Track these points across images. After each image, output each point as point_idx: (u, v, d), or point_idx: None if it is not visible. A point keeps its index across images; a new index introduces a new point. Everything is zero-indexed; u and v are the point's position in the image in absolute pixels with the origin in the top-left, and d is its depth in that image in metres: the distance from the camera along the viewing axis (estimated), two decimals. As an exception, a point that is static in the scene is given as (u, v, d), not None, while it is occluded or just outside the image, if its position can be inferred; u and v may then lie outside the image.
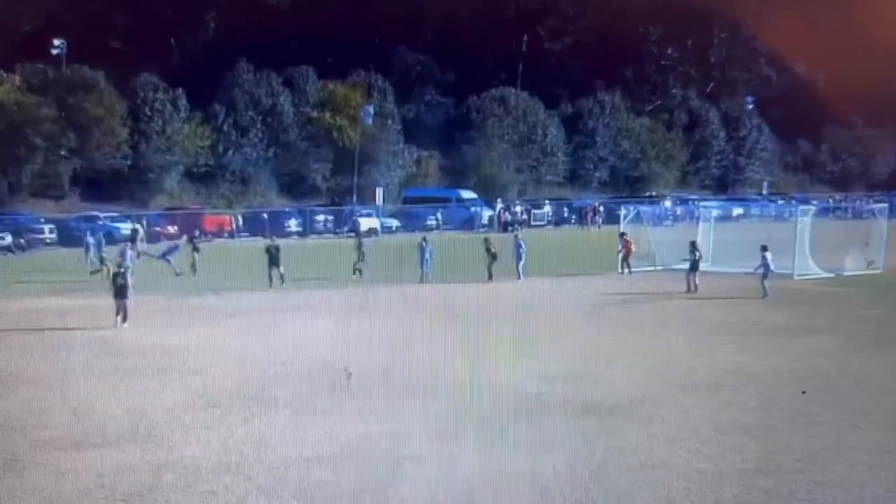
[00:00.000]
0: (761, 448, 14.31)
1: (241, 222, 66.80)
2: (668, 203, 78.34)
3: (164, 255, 39.59)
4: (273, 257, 35.80)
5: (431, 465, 13.42)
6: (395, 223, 72.11)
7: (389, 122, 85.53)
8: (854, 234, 43.25)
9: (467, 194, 79.73)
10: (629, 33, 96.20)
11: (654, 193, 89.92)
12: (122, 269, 27.19)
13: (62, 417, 16.22)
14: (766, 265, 32.11)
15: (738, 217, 76.58)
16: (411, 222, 70.47)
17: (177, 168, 75.05)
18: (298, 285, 35.02)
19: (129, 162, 71.58)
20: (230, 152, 77.63)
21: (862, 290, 34.25)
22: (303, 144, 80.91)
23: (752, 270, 32.97)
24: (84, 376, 19.46)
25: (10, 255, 53.41)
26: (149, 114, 72.92)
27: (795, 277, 36.11)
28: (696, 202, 71.94)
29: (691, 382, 18.70)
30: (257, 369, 19.95)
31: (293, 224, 67.62)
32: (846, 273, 38.15)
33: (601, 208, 78.18)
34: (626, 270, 39.60)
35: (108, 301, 26.49)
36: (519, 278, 36.92)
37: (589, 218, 77.86)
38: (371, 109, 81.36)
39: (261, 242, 41.36)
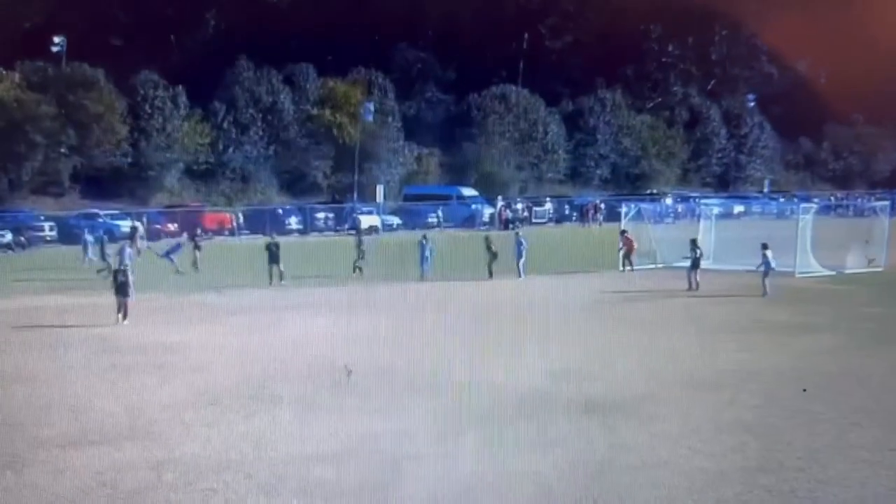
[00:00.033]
0: (762, 446, 14.31)
1: (241, 220, 66.78)
2: (669, 200, 78.48)
3: (167, 254, 39.57)
4: (273, 255, 35.84)
5: (431, 463, 13.40)
6: (395, 221, 72.05)
7: (390, 119, 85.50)
8: (855, 232, 43.21)
9: (468, 192, 79.69)
10: (630, 31, 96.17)
11: (655, 191, 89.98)
12: (122, 267, 27.16)
13: (62, 415, 16.21)
14: (766, 263, 32.08)
15: (740, 215, 76.40)
16: (412, 220, 70.40)
17: (177, 165, 75.04)
18: (299, 283, 35.05)
19: (129, 159, 71.55)
20: (230, 150, 77.62)
21: (863, 288, 34.23)
22: (303, 142, 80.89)
23: (753, 268, 32.94)
24: (84, 374, 19.48)
25: (10, 252, 53.44)
26: (149, 111, 72.90)
27: (797, 275, 36.08)
28: (697, 200, 71.91)
29: (692, 380, 18.68)
30: (257, 367, 19.93)
31: (294, 222, 67.55)
32: (847, 271, 38.13)
33: (602, 206, 78.14)
34: (627, 268, 39.58)
35: (109, 299, 26.49)
36: (519, 276, 36.91)
37: (590, 215, 77.84)
38: (371, 107, 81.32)
39: (261, 240, 41.30)
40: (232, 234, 64.00)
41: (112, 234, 49.29)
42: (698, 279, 33.73)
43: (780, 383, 18.41)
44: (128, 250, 30.39)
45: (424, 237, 39.44)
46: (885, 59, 79.13)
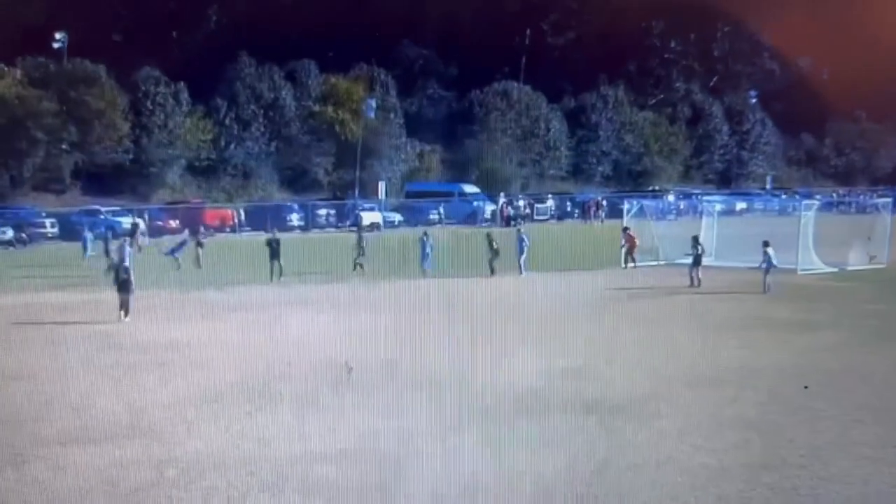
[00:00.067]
0: (765, 443, 14.31)
1: (243, 216, 66.82)
2: (671, 197, 78.48)
3: (172, 252, 39.55)
4: (274, 251, 35.88)
5: (432, 461, 13.40)
6: (397, 217, 72.09)
7: (392, 115, 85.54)
8: (858, 229, 43.18)
9: (470, 188, 79.79)
10: (632, 27, 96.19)
11: (657, 188, 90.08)
12: (124, 264, 27.14)
13: (64, 412, 16.22)
14: (768, 260, 32.04)
15: (742, 211, 76.36)
16: (414, 217, 70.47)
17: (178, 162, 75.11)
18: (300, 280, 35.02)
19: (130, 156, 71.66)
20: (232, 146, 77.69)
21: (865, 285, 34.22)
22: (305, 138, 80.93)
23: (756, 265, 32.89)
24: (85, 371, 19.46)
25: (11, 249, 53.52)
26: (150, 108, 72.99)
27: (799, 272, 36.06)
28: (699, 196, 71.86)
29: (694, 377, 18.68)
30: (259, 364, 19.92)
31: (295, 218, 67.63)
32: (850, 268, 38.12)
33: (604, 202, 78.18)
34: (630, 264, 39.57)
35: (110, 295, 26.50)
36: (521, 273, 36.89)
37: (592, 212, 77.87)
38: (373, 103, 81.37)
39: (263, 237, 41.29)
40: (233, 230, 64.00)
41: (114, 231, 49.24)
42: (700, 276, 33.73)
43: (783, 380, 18.41)
44: (127, 248, 30.33)
45: (425, 234, 39.44)
46: (887, 56, 79.07)
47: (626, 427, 15.14)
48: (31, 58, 69.53)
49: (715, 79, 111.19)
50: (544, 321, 25.74)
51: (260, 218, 62.30)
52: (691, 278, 33.72)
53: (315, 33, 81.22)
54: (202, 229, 45.48)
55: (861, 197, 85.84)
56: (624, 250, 40.18)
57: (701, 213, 46.66)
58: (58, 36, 71.92)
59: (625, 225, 41.95)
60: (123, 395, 17.37)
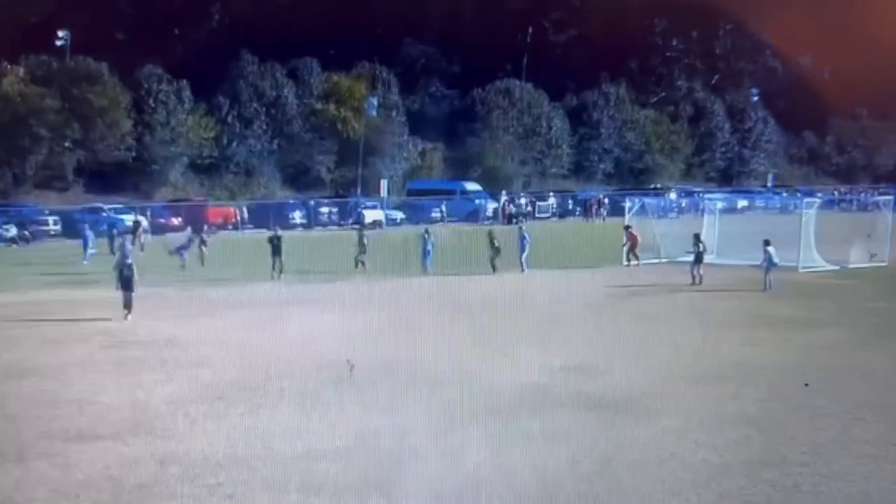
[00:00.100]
0: (766, 440, 14.34)
1: (245, 214, 66.91)
2: (672, 195, 78.44)
3: (178, 250, 39.59)
4: (276, 248, 35.98)
5: (434, 458, 13.46)
6: (399, 215, 72.15)
7: (394, 113, 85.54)
8: (859, 227, 43.19)
9: (472, 186, 79.79)
10: (634, 25, 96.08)
11: (658, 185, 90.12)
12: (127, 261, 27.21)
13: (68, 409, 16.25)
14: (769, 259, 32.09)
15: (743, 209, 76.58)
16: (416, 214, 70.52)
17: (181, 160, 75.12)
18: (302, 277, 35.06)
19: (133, 153, 71.69)
20: (234, 144, 77.72)
21: (867, 283, 34.25)
22: (307, 136, 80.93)
23: (758, 263, 32.93)
24: (89, 368, 19.52)
25: (14, 246, 53.62)
26: (153, 105, 73.04)
27: (800, 270, 36.09)
28: (700, 194, 71.93)
29: (696, 374, 18.72)
30: (261, 361, 19.93)
31: (297, 216, 67.70)
32: (851, 266, 38.16)
33: (606, 200, 78.20)
34: (633, 262, 39.61)
35: (113, 293, 26.58)
36: (522, 270, 36.97)
37: (594, 210, 77.96)
38: (375, 101, 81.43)
39: (266, 234, 41.36)
40: (236, 228, 64.09)
41: (117, 229, 49.34)
42: (702, 274, 33.79)
43: (784, 378, 18.44)
44: (128, 245, 30.40)
45: (426, 231, 39.55)
46: (889, 54, 78.99)
47: (628, 424, 15.17)
48: (34, 55, 69.52)
49: (717, 77, 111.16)
50: (546, 319, 25.77)
51: (262, 215, 62.39)
52: (693, 276, 33.78)
53: (317, 31, 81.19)
54: (206, 228, 45.51)
55: (862, 195, 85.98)
56: (626, 248, 40.25)
57: (702, 211, 46.76)
58: (61, 34, 71.94)
59: (626, 223, 41.98)
60: (128, 392, 17.40)
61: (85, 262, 40.99)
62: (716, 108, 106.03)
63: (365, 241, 39.00)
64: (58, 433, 14.80)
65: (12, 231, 55.35)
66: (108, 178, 70.46)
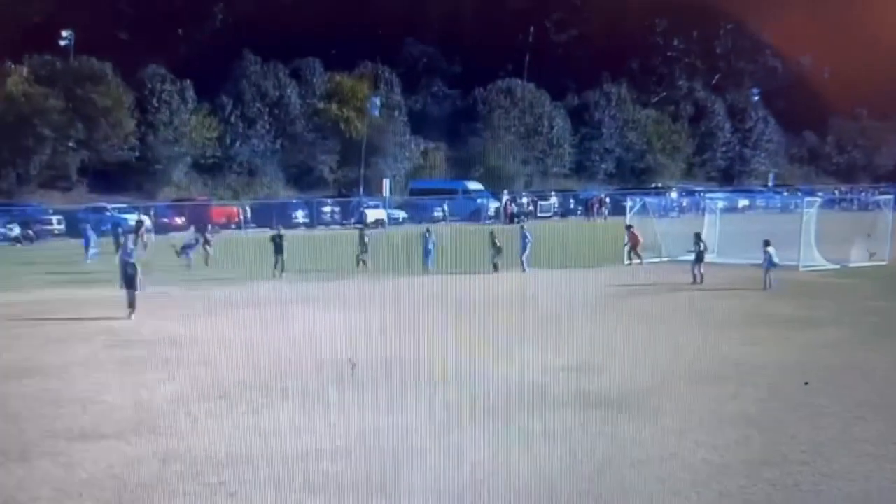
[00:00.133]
0: (767, 439, 14.37)
1: (248, 213, 67.01)
2: (673, 194, 78.49)
3: (185, 250, 39.67)
4: (278, 247, 36.11)
5: (435, 456, 13.51)
6: (401, 214, 72.22)
7: (396, 113, 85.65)
8: (859, 226, 43.21)
9: (474, 186, 79.86)
10: (635, 25, 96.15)
11: (659, 185, 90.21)
12: (131, 260, 27.32)
13: (71, 408, 16.29)
14: (769, 259, 32.13)
15: (744, 209, 76.58)
16: (418, 214, 70.60)
17: (184, 159, 75.25)
18: (304, 276, 35.12)
19: (136, 153, 71.84)
20: (237, 144, 77.83)
21: (867, 282, 34.27)
22: (310, 136, 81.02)
23: (759, 262, 32.96)
24: (93, 367, 19.57)
25: (18, 245, 53.73)
26: (156, 105, 73.17)
27: (801, 269, 36.14)
28: (701, 194, 71.94)
29: (696, 374, 18.76)
30: (264, 360, 19.95)
31: (300, 215, 67.81)
32: (851, 265, 38.19)
33: (607, 200, 78.26)
34: (635, 261, 39.64)
35: (117, 292, 26.66)
36: (523, 270, 37.03)
37: (595, 209, 78.02)
38: (378, 101, 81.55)
39: (268, 233, 41.43)
40: (239, 227, 64.18)
41: (121, 228, 49.41)
42: (702, 273, 33.84)
43: (785, 377, 18.46)
44: (130, 244, 30.48)
45: (428, 230, 39.66)
46: (889, 53, 78.97)
47: (629, 423, 15.22)
48: (37, 55, 69.67)
49: (717, 76, 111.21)
50: (546, 318, 25.82)
51: (265, 215, 62.48)
52: (693, 275, 33.82)
53: (320, 31, 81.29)
54: (210, 227, 45.57)
55: (863, 194, 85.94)
56: (627, 248, 40.31)
57: (703, 210, 46.77)
58: (64, 34, 72.07)
59: (628, 223, 42.02)
60: (130, 390, 17.45)
61: (88, 262, 41.07)
62: (717, 108, 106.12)
63: (366, 240, 39.11)
64: (61, 432, 14.85)
65: (16, 230, 55.49)
66: (112, 177, 70.60)
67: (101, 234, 46.95)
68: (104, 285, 30.14)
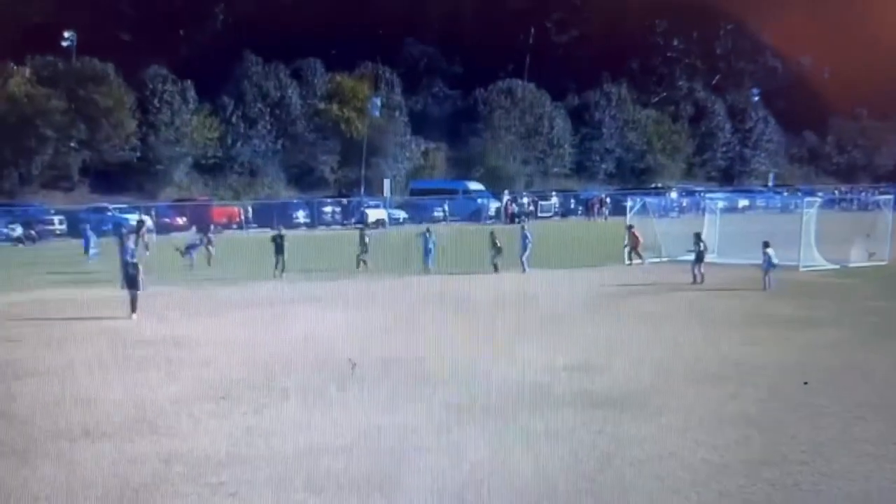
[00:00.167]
0: (766, 439, 14.38)
1: (249, 214, 67.10)
2: (673, 194, 78.55)
3: (188, 250, 39.74)
4: (279, 247, 36.21)
5: (435, 455, 13.56)
6: (402, 215, 72.29)
7: (397, 113, 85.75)
8: (859, 226, 43.23)
9: (474, 186, 79.94)
10: (635, 25, 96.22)
11: (660, 185, 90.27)
12: (133, 261, 27.38)
13: (73, 408, 16.29)
14: (768, 261, 32.16)
15: (744, 209, 76.61)
16: (419, 214, 70.67)
17: (185, 160, 75.38)
18: (305, 276, 35.18)
19: (138, 153, 71.99)
20: (238, 144, 77.94)
21: (867, 282, 34.27)
22: (311, 136, 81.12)
23: (759, 262, 32.97)
24: (95, 367, 19.57)
25: (20, 245, 53.79)
26: (158, 105, 73.31)
27: (801, 269, 36.17)
28: (701, 194, 71.99)
29: (696, 373, 18.77)
30: (265, 360, 20.03)
31: (301, 215, 67.90)
32: (851, 265, 38.21)
33: (608, 200, 78.33)
34: (636, 261, 39.67)
35: (118, 292, 26.70)
36: (524, 270, 37.06)
37: (595, 209, 78.13)
38: (378, 101, 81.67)
39: (270, 233, 41.50)
40: (240, 227, 64.27)
41: (126, 228, 49.51)
42: (703, 272, 33.87)
43: (784, 377, 18.46)
44: (130, 245, 30.47)
45: (427, 230, 39.72)
46: (889, 53, 78.95)
47: (628, 422, 15.24)
48: (39, 56, 69.86)
49: (717, 77, 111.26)
50: (547, 318, 25.85)
51: (266, 215, 62.59)
52: (694, 275, 33.85)
53: (320, 32, 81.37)
54: (212, 227, 45.62)
55: (863, 194, 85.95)
56: (627, 248, 40.35)
57: (703, 211, 46.80)
58: (66, 35, 72.28)
59: (629, 223, 42.07)
60: (132, 390, 17.49)
61: (90, 262, 41.14)
62: (717, 108, 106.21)
63: (367, 240, 39.20)
64: (63, 432, 14.88)
65: (18, 230, 55.55)
66: (114, 178, 70.75)
67: (101, 234, 46.97)
68: (106, 285, 30.18)
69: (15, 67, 67.70)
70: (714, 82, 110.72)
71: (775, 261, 32.25)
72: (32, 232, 56.00)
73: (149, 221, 52.40)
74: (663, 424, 15.16)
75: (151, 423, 15.39)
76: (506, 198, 76.59)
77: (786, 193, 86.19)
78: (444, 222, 68.37)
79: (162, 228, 56.31)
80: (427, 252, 37.87)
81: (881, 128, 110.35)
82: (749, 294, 31.17)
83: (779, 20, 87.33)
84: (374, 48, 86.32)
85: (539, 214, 77.12)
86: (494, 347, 20.86)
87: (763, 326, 24.79)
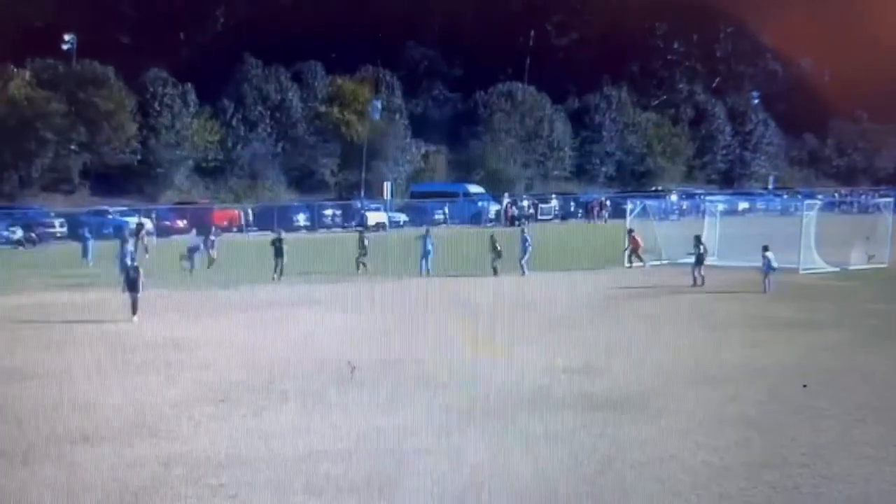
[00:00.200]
0: (767, 442, 14.40)
1: (250, 217, 67.08)
2: (674, 197, 78.53)
3: (190, 252, 39.72)
4: (278, 250, 36.25)
5: (435, 457, 13.56)
6: (402, 218, 72.24)
7: (397, 117, 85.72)
8: (859, 229, 43.25)
9: (475, 189, 79.93)
10: (635, 28, 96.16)
11: (660, 188, 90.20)
12: (134, 264, 27.39)
13: (73, 411, 16.29)
14: (767, 264, 32.16)
15: (744, 211, 76.52)
16: (419, 217, 70.57)
17: (186, 163, 75.36)
18: (305, 279, 35.20)
19: (138, 156, 71.93)
20: (239, 147, 77.91)
21: (867, 285, 34.30)
22: (311, 139, 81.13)
23: (759, 265, 32.97)
24: (95, 370, 19.57)
25: (20, 248, 53.77)
26: (158, 109, 73.27)
27: (801, 272, 36.18)
28: (701, 196, 71.95)
29: (697, 376, 18.78)
30: (265, 362, 20.03)
31: (301, 218, 67.85)
32: (851, 267, 38.22)
33: (608, 202, 78.32)
34: (637, 264, 39.66)
35: (118, 295, 26.71)
36: (523, 273, 37.05)
37: (595, 212, 78.12)
38: (379, 104, 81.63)
39: (270, 237, 41.54)
40: (240, 230, 64.25)
41: (128, 231, 49.53)
42: (703, 275, 33.88)
43: (785, 379, 18.48)
44: (129, 248, 30.49)
45: (427, 232, 39.73)
46: (889, 56, 78.96)
47: (629, 424, 15.25)
48: (40, 59, 69.77)
49: (717, 80, 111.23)
50: (546, 320, 25.88)
51: (267, 218, 62.54)
52: (694, 278, 33.87)
53: (321, 35, 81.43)
54: (213, 230, 45.59)
55: (862, 197, 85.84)
56: (627, 251, 40.35)
57: (703, 213, 46.82)
58: (67, 37, 72.25)
59: (629, 227, 42.07)
60: (132, 393, 17.48)
61: (90, 264, 41.14)
62: (717, 111, 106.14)
63: (366, 242, 39.23)
64: (63, 435, 14.88)
65: (19, 233, 55.51)
66: (114, 180, 70.72)
67: (101, 237, 46.93)
68: (106, 288, 30.16)
69: (15, 70, 67.66)
70: (714, 85, 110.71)
71: (775, 264, 32.27)
72: (33, 235, 55.93)
73: (148, 224, 52.39)
74: (663, 427, 15.18)
75: (152, 426, 15.40)
76: (506, 200, 76.59)
77: (786, 196, 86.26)
78: (444, 225, 68.37)
79: (162, 231, 56.29)
80: (426, 253, 37.88)
81: (881, 130, 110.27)
82: (749, 297, 31.19)
83: (779, 23, 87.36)
84: (375, 51, 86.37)
85: (539, 217, 77.04)
86: (493, 350, 20.86)
87: (763, 329, 24.82)
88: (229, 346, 22.29)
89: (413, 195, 79.19)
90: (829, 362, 20.33)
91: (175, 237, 51.62)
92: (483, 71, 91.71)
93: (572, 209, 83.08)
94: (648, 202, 48.88)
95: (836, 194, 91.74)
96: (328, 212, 70.94)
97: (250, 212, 67.88)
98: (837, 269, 37.52)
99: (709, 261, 35.42)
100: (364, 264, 38.15)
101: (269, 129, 79.38)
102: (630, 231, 41.21)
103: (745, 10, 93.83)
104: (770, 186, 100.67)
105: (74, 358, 20.86)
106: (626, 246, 40.47)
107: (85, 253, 43.07)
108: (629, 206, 45.25)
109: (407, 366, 19.39)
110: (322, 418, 15.75)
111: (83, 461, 13.65)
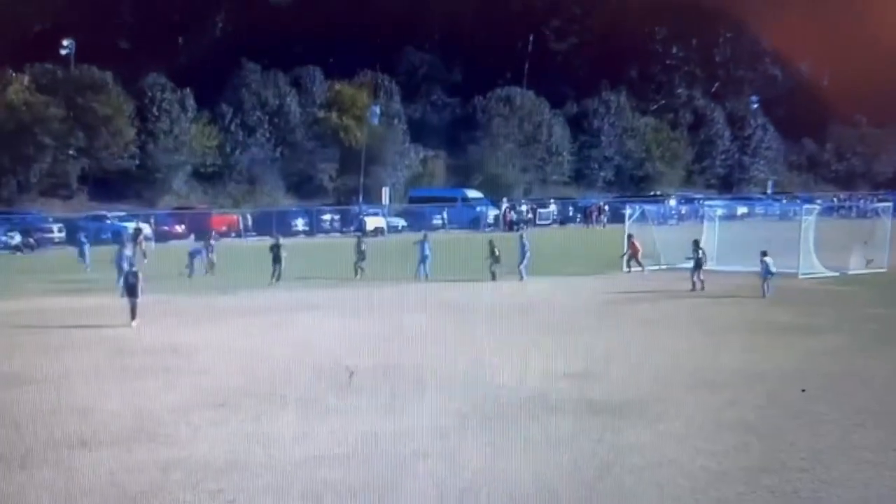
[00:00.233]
0: (766, 446, 14.37)
1: (248, 222, 67.10)
2: (672, 202, 78.54)
3: (191, 257, 39.75)
4: (276, 256, 36.30)
5: (435, 460, 13.55)
6: (401, 223, 72.30)
7: (396, 122, 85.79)
8: (858, 234, 43.26)
9: (473, 194, 79.99)
10: (634, 33, 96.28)
11: (658, 192, 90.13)
12: (133, 269, 27.39)
13: (72, 416, 16.27)
14: (766, 269, 32.15)
15: (743, 216, 76.55)
16: (417, 222, 70.57)
17: (184, 168, 75.42)
18: (303, 284, 35.21)
19: (136, 161, 71.99)
20: (237, 152, 77.98)
21: (866, 289, 34.30)
22: (309, 144, 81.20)
23: (758, 270, 32.95)
24: (93, 375, 19.53)
25: (19, 253, 53.77)
26: (156, 114, 73.33)
27: (800, 276, 36.18)
28: (700, 201, 72.02)
29: (696, 381, 18.76)
30: (263, 368, 20.04)
31: (300, 223, 67.93)
32: (850, 272, 38.21)
33: (606, 207, 78.38)
34: (636, 269, 39.64)
35: (117, 300, 26.69)
36: (521, 278, 37.03)
37: (594, 217, 78.20)
38: (377, 109, 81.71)
39: (268, 241, 41.55)
40: (239, 235, 64.26)
41: (126, 236, 49.57)
42: (702, 280, 33.85)
43: (784, 384, 18.44)
44: (126, 252, 30.42)
45: (425, 237, 39.74)
46: (888, 61, 79.11)
47: (628, 429, 15.23)
48: (38, 64, 69.87)
49: (716, 84, 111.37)
50: (544, 325, 25.86)
51: (265, 223, 62.61)
52: (693, 282, 33.84)
53: (319, 40, 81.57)
54: (212, 235, 45.60)
55: (861, 201, 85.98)
56: (626, 256, 40.34)
57: (702, 218, 46.78)
58: (65, 42, 72.31)
59: (629, 233, 42.05)
60: (131, 398, 17.45)
61: (88, 269, 41.13)
62: (716, 116, 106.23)
63: (364, 247, 39.23)
64: (61, 440, 14.84)
65: (17, 238, 55.55)
66: (112, 186, 70.77)
67: (99, 242, 46.93)
68: (105, 293, 30.15)
69: (14, 75, 67.74)
70: (713, 90, 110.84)
71: (773, 269, 32.26)
72: (31, 240, 55.99)
73: (146, 229, 52.38)
74: (662, 431, 15.16)
75: (150, 431, 15.37)
76: (504, 205, 76.69)
77: (785, 201, 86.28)
78: (442, 230, 68.35)
79: (161, 237, 56.29)
80: (424, 258, 37.87)
81: (880, 135, 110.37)
82: (748, 301, 31.18)
83: (778, 28, 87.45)
84: (374, 56, 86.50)
85: (538, 222, 77.21)
86: (492, 354, 20.83)
87: (762, 333, 24.79)
88: (228, 351, 22.28)
89: (411, 200, 79.28)
90: (829, 367, 20.31)
91: (173, 242, 51.55)
92: (482, 76, 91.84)
93: (571, 214, 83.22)
94: (647, 207, 48.83)
95: (835, 199, 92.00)
96: (327, 217, 71.03)
97: (249, 217, 67.92)
98: (836, 274, 37.51)
99: (708, 265, 35.37)
100: (362, 269, 38.17)
101: (267, 135, 79.46)
102: (629, 237, 41.19)
103: (744, 14, 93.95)
104: (769, 191, 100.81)
105: (73, 363, 20.85)
106: (626, 251, 40.45)
107: (82, 256, 43.05)
108: (628, 211, 45.26)
109: (405, 370, 19.37)
110: (320, 423, 15.72)
111: (81, 466, 13.61)
